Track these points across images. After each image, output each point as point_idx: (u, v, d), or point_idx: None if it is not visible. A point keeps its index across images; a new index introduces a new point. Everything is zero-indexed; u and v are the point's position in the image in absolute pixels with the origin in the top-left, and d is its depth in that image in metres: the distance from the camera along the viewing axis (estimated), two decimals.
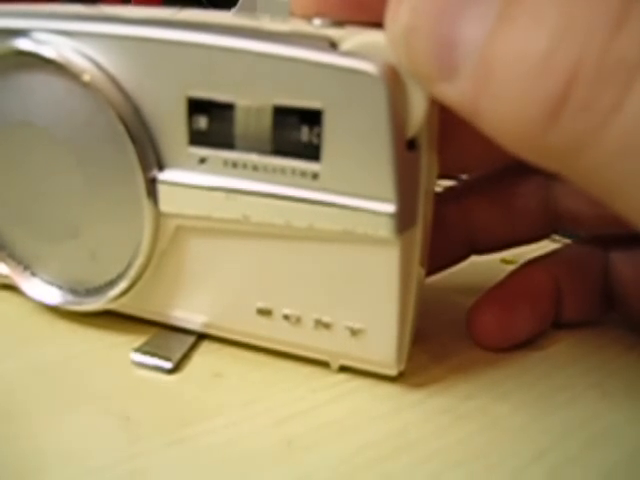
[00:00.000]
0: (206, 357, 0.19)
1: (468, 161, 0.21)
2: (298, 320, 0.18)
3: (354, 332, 0.17)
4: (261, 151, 0.16)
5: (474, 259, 0.23)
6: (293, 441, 0.15)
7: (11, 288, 0.21)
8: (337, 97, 0.15)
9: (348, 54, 0.14)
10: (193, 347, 0.19)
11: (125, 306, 0.19)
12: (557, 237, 0.25)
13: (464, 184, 0.23)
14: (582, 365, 0.20)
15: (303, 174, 0.16)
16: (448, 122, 0.16)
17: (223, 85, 0.15)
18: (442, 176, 0.19)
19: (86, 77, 0.16)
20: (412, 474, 0.15)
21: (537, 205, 0.21)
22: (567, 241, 0.25)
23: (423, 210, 0.16)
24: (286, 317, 0.18)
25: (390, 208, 0.15)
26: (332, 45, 0.15)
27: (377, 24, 0.14)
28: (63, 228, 0.19)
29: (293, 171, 0.16)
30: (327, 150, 0.15)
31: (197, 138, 0.16)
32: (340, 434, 0.16)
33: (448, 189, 0.23)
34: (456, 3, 0.12)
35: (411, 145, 0.15)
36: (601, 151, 0.11)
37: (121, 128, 0.16)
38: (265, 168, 0.16)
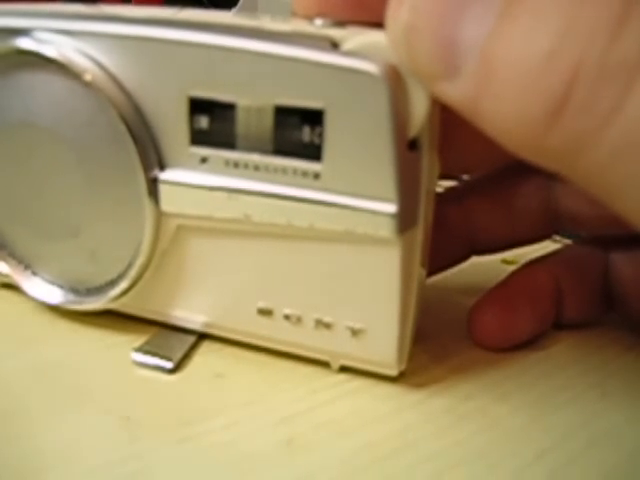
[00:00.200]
0: (207, 357, 0.19)
1: (469, 161, 0.21)
2: (299, 320, 0.18)
3: (355, 332, 0.17)
4: (262, 151, 0.16)
5: (475, 259, 0.23)
6: (293, 441, 0.15)
7: (12, 287, 0.21)
8: (338, 97, 0.15)
9: (349, 54, 0.14)
10: (194, 347, 0.19)
11: (126, 306, 0.19)
12: (557, 237, 0.25)
13: (465, 184, 0.23)
14: (582, 365, 0.20)
15: (304, 174, 0.16)
16: (449, 122, 0.16)
17: (224, 85, 0.16)
18: (443, 176, 0.19)
19: (87, 77, 0.16)
20: (412, 474, 0.15)
21: (538, 205, 0.21)
22: (567, 241, 0.25)
23: (424, 210, 0.16)
24: (287, 317, 0.18)
25: (391, 208, 0.15)
26: (333, 45, 0.15)
27: (378, 24, 0.14)
28: (64, 227, 0.19)
29: (294, 171, 0.16)
30: (328, 150, 0.15)
31: (198, 138, 0.16)
32: (340, 434, 0.16)
33: (449, 189, 0.23)
34: (457, 2, 0.12)
35: (412, 145, 0.15)
36: (602, 151, 0.11)
37: (122, 128, 0.16)
38: (266, 168, 0.16)
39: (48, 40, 0.17)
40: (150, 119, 0.17)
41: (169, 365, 0.18)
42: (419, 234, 0.17)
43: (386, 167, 0.15)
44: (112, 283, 0.19)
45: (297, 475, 0.14)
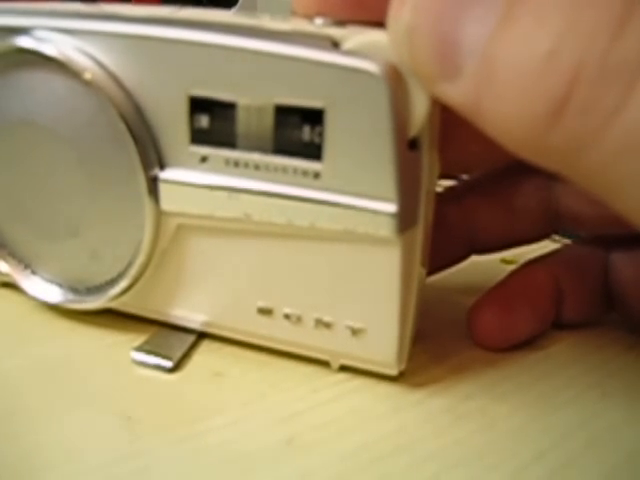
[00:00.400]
0: (207, 356, 0.19)
1: (469, 161, 0.21)
2: (299, 319, 0.18)
3: (355, 332, 0.17)
4: (263, 150, 0.16)
5: (474, 259, 0.23)
6: (293, 440, 0.15)
7: (12, 286, 0.21)
8: (339, 96, 0.15)
9: (350, 53, 0.14)
10: (193, 346, 0.19)
11: (126, 305, 0.19)
12: (557, 237, 0.25)
13: (465, 184, 0.23)
14: (582, 365, 0.20)
15: (305, 173, 0.16)
16: (449, 122, 0.16)
17: (225, 84, 0.15)
18: (443, 176, 0.19)
19: (87, 75, 0.16)
20: (412, 474, 0.15)
21: (538, 205, 0.21)
22: (567, 241, 0.25)
23: (424, 210, 0.16)
24: (287, 316, 0.18)
25: (391, 208, 0.15)
26: (334, 44, 0.15)
27: (379, 23, 0.14)
28: (64, 226, 0.19)
29: (295, 170, 0.16)
30: (329, 149, 0.15)
31: (199, 137, 0.16)
32: (340, 433, 0.16)
33: (449, 189, 0.23)
34: (459, 3, 0.12)
35: (413, 145, 0.15)
36: (603, 151, 0.11)
37: (122, 126, 0.16)
38: (267, 167, 0.16)
39: (48, 39, 0.17)
40: (150, 118, 0.17)
41: (169, 364, 0.18)
42: (419, 234, 0.17)
43: (386, 167, 0.15)
44: (112, 282, 0.19)
45: (297, 474, 0.14)
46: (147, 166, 0.17)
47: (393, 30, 0.13)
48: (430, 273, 0.21)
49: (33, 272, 0.20)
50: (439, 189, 0.20)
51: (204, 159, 0.17)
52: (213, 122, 0.16)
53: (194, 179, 0.17)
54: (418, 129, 0.15)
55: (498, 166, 0.22)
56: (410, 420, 0.16)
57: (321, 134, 0.15)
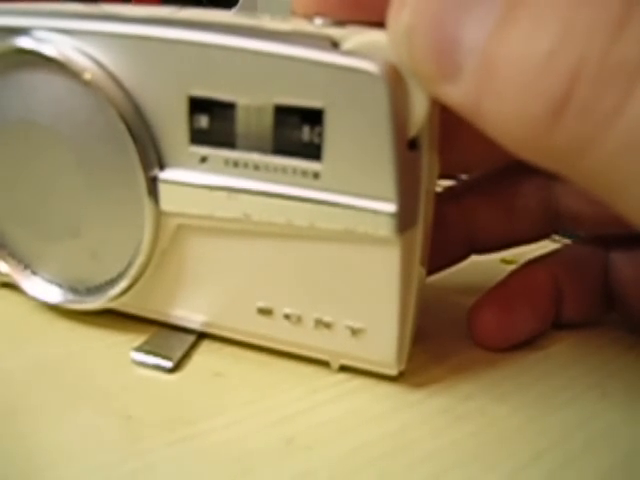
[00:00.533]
0: (206, 356, 0.19)
1: (469, 161, 0.21)
2: (299, 319, 0.18)
3: (354, 332, 0.17)
4: (262, 150, 0.16)
5: (474, 259, 0.23)
6: (293, 440, 0.15)
7: (11, 287, 0.21)
8: (338, 96, 0.15)
9: (349, 53, 0.14)
10: (193, 346, 0.19)
11: (125, 305, 0.19)
12: (557, 237, 0.25)
13: (464, 184, 0.23)
14: (582, 365, 0.20)
15: (304, 173, 0.16)
16: (449, 122, 0.16)
17: (224, 84, 0.15)
18: (442, 176, 0.19)
19: (87, 76, 0.16)
20: (411, 474, 0.15)
21: (537, 205, 0.21)
22: (567, 241, 0.25)
23: (424, 210, 0.16)
24: (287, 316, 0.18)
25: (391, 208, 0.15)
26: (333, 44, 0.15)
27: (378, 23, 0.14)
28: (64, 227, 0.19)
29: (294, 170, 0.16)
30: (328, 149, 0.15)
31: (198, 137, 0.16)
32: (340, 433, 0.16)
33: (448, 189, 0.23)
34: (458, 4, 0.12)
35: (412, 145, 0.15)
36: (604, 151, 0.11)
37: (122, 127, 0.16)
38: (266, 167, 0.16)
39: (47, 39, 0.17)
40: (150, 118, 0.17)
41: (169, 364, 0.18)
42: (419, 234, 0.17)
43: (386, 167, 0.15)
44: (112, 282, 0.19)
45: (296, 474, 0.14)
46: (147, 166, 0.17)
47: (393, 30, 0.13)
48: (430, 273, 0.21)
49: (33, 272, 0.20)
50: (439, 189, 0.20)
51: (204, 159, 0.17)
52: (213, 122, 0.16)
53: (194, 179, 0.17)
54: (418, 129, 0.15)
55: (498, 166, 0.22)
56: (410, 420, 0.16)
57: (320, 134, 0.15)
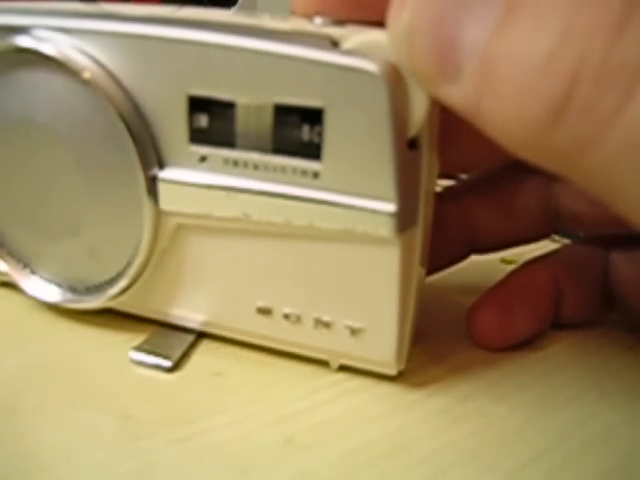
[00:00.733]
0: (206, 356, 0.19)
1: (469, 161, 0.21)
2: (298, 319, 0.18)
3: (354, 331, 0.17)
4: (262, 150, 0.16)
5: (474, 259, 0.23)
6: (293, 440, 0.15)
7: (10, 286, 0.21)
8: (338, 96, 0.15)
9: (349, 53, 0.14)
10: (193, 346, 0.19)
11: (125, 304, 0.19)
12: (557, 237, 0.25)
13: (464, 183, 0.23)
14: (581, 366, 0.20)
15: (304, 173, 0.16)
16: (449, 122, 0.16)
17: (224, 83, 0.15)
18: (442, 176, 0.19)
19: (86, 74, 0.16)
20: (410, 474, 0.15)
21: (537, 205, 0.21)
22: (566, 241, 0.25)
23: (423, 210, 0.16)
24: (286, 316, 0.18)
25: (391, 207, 0.15)
26: (333, 44, 0.15)
27: (378, 23, 0.14)
28: (63, 226, 0.19)
29: (294, 170, 0.16)
30: (328, 149, 0.15)
31: (198, 136, 0.16)
32: (339, 433, 0.16)
33: (448, 188, 0.23)
34: (458, 4, 0.12)
35: (412, 144, 0.15)
36: (605, 152, 0.11)
37: (121, 126, 0.16)
38: (266, 167, 0.16)
39: (47, 38, 0.17)
40: (149, 117, 0.17)
41: (168, 364, 0.18)
42: (418, 233, 0.17)
43: (386, 166, 0.15)
44: (111, 282, 0.19)
45: (295, 473, 0.14)
46: (146, 166, 0.17)
47: (393, 30, 0.13)
48: (430, 273, 0.21)
49: (32, 271, 0.20)
50: (439, 189, 0.20)
51: (203, 159, 0.16)
52: (212, 121, 0.16)
53: (193, 179, 0.17)
54: (417, 129, 0.15)
55: (498, 166, 0.22)
56: (409, 420, 0.16)
57: (320, 134, 0.15)
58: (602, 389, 0.18)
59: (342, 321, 0.17)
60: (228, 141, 0.16)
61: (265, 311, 0.18)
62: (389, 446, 0.15)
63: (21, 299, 0.20)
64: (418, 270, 0.17)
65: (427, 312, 0.20)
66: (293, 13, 0.17)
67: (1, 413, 0.16)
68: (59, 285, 0.20)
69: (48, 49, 0.16)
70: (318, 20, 0.16)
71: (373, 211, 0.15)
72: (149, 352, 0.18)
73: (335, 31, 0.15)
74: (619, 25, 0.10)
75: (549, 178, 0.21)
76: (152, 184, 0.17)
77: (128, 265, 0.18)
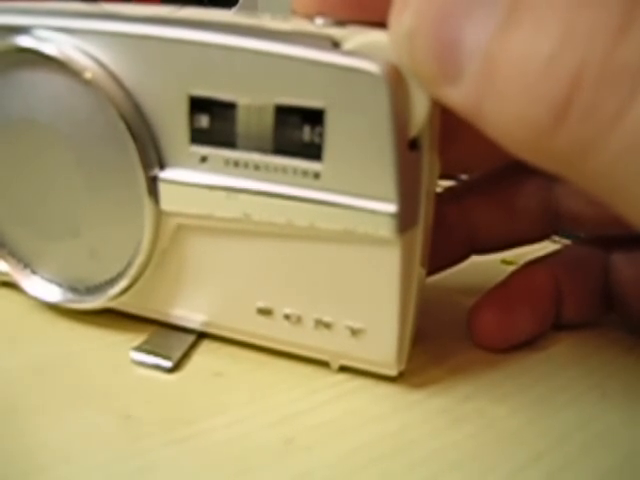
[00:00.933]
0: (206, 356, 0.19)
1: (470, 161, 0.21)
2: (298, 320, 0.18)
3: (354, 332, 0.17)
4: (263, 150, 0.16)
5: (474, 259, 0.23)
6: (293, 440, 0.15)
7: (11, 286, 0.21)
8: (339, 96, 0.15)
9: (350, 53, 0.14)
10: (193, 346, 0.19)
11: (125, 304, 0.19)
12: (557, 238, 0.25)
13: (464, 184, 0.23)
14: (582, 366, 0.20)
15: (305, 173, 0.16)
16: (449, 122, 0.16)
17: (225, 84, 0.15)
18: (442, 176, 0.19)
19: (87, 75, 0.16)
20: (410, 474, 0.15)
21: (538, 205, 0.21)
22: (567, 242, 0.25)
23: (424, 210, 0.16)
24: (286, 317, 0.18)
25: (391, 208, 0.15)
26: (334, 44, 0.15)
27: (379, 24, 0.14)
28: (64, 226, 0.19)
29: (295, 170, 0.16)
30: (329, 150, 0.15)
31: (198, 137, 0.16)
32: (339, 433, 0.16)
33: (448, 189, 0.23)
34: (460, 6, 0.12)
35: (413, 145, 0.15)
36: (606, 154, 0.11)
37: (122, 126, 0.16)
38: (266, 167, 0.16)
39: (48, 38, 0.17)
40: (150, 118, 0.17)
41: (168, 364, 0.18)
42: (419, 234, 0.17)
43: (386, 167, 0.15)
44: (112, 282, 0.19)
45: (295, 474, 0.14)
46: (147, 166, 0.17)
47: (394, 32, 0.13)
48: (430, 273, 0.21)
49: (33, 271, 0.20)
50: (439, 189, 0.20)
51: (204, 159, 0.16)
52: (213, 122, 0.16)
53: (194, 179, 0.17)
54: (418, 129, 0.15)
55: (498, 166, 0.22)
56: (409, 421, 0.16)
57: (321, 134, 0.15)
58: (603, 390, 0.18)
59: (342, 322, 0.17)
60: (229, 141, 0.16)
61: (265, 311, 0.18)
62: (389, 447, 0.15)
63: (22, 299, 0.20)
64: (419, 270, 0.17)
65: (428, 313, 0.20)
66: (294, 13, 0.17)
67: (1, 413, 0.16)
68: (60, 285, 0.20)
69: (49, 49, 0.16)
70: (319, 20, 0.16)
71: (374, 212, 0.15)
72: (149, 352, 0.18)
73: (336, 32, 0.15)
74: (620, 28, 0.10)
75: (550, 179, 0.21)
76: (153, 184, 0.17)
77: (129, 265, 0.18)
